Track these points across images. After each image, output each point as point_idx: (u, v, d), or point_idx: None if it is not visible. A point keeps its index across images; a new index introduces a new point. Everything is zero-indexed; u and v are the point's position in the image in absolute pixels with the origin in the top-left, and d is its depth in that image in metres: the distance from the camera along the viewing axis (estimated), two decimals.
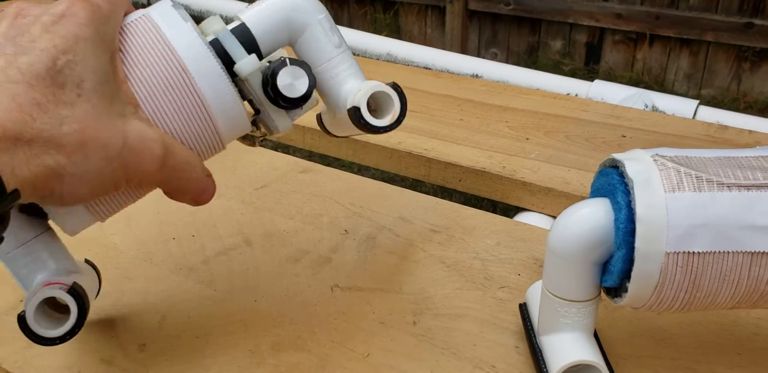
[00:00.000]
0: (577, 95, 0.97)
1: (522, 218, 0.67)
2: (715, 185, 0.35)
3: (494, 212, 0.58)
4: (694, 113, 0.85)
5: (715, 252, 0.34)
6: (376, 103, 0.40)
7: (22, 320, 0.34)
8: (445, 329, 0.44)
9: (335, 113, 0.42)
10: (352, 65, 0.41)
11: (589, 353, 0.38)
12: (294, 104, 0.38)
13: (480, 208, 0.58)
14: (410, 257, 0.51)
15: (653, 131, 0.71)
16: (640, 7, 2.34)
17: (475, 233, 0.54)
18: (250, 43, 0.38)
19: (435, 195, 0.60)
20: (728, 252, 0.34)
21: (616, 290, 0.38)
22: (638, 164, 0.36)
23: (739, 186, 0.34)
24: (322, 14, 0.40)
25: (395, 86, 0.39)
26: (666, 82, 2.45)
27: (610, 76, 2.48)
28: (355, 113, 0.39)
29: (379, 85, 0.39)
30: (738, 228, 0.34)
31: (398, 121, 0.39)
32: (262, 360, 0.42)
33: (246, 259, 0.51)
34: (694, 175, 0.35)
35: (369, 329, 0.44)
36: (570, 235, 0.37)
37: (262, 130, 0.41)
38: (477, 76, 1.11)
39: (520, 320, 0.44)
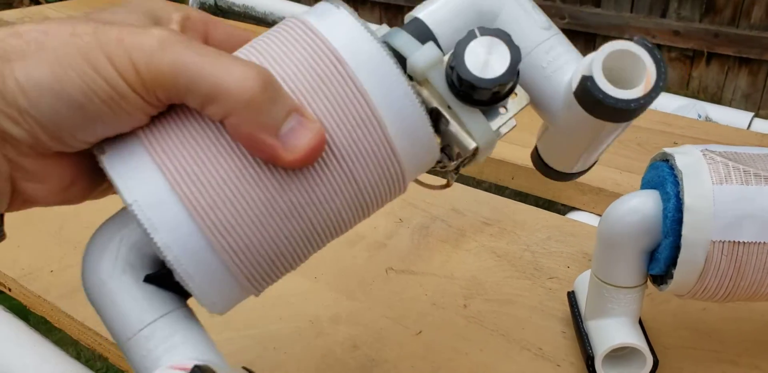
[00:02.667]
0: None
1: (572, 217, 0.69)
2: (762, 179, 0.36)
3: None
4: (749, 125, 0.86)
5: (760, 243, 0.36)
6: (616, 75, 0.28)
7: (586, 86, 0.23)
8: (494, 312, 0.47)
9: (553, 123, 0.32)
10: (570, 50, 0.31)
11: (634, 337, 0.40)
12: (492, 95, 0.27)
13: (536, 206, 0.60)
14: (462, 246, 0.54)
15: (705, 139, 0.72)
16: (699, 24, 2.32)
17: (527, 226, 0.56)
18: (424, 37, 0.29)
19: (490, 192, 0.63)
20: None
21: (662, 278, 0.39)
22: (688, 157, 0.38)
23: None
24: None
25: (642, 42, 0.28)
26: (723, 101, 2.41)
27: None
28: (584, 88, 0.28)
29: (618, 43, 0.28)
30: None
31: (656, 89, 0.27)
32: (321, 330, 0.45)
33: None
34: (741, 170, 0.37)
35: (421, 309, 0.47)
36: (620, 222, 0.39)
37: (455, 155, 0.30)
38: None
39: (567, 308, 0.46)
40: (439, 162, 0.31)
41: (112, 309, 0.25)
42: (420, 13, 0.30)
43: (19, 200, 0.26)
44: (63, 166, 0.26)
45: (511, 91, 0.28)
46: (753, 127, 0.86)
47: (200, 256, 0.25)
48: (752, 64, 2.33)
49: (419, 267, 0.51)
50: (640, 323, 0.43)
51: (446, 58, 0.28)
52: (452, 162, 0.30)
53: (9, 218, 0.28)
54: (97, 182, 0.27)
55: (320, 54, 0.26)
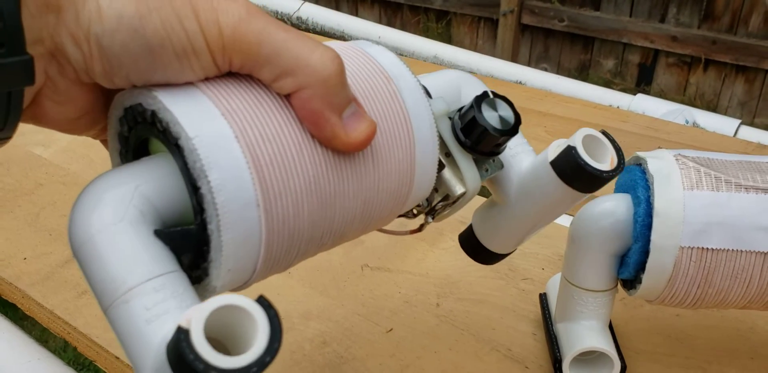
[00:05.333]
0: (618, 108, 0.98)
1: None
2: (733, 186, 0.36)
3: None
4: (735, 132, 0.86)
5: (728, 250, 0.36)
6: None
7: (180, 346, 0.19)
8: (466, 312, 0.47)
9: (508, 198, 0.37)
10: (526, 142, 0.37)
11: (601, 342, 0.40)
12: (495, 146, 0.32)
13: None
14: (439, 245, 0.54)
15: (691, 145, 0.73)
16: (697, 30, 2.32)
17: None
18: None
19: None
20: (741, 251, 0.36)
21: (631, 283, 0.39)
22: (660, 162, 0.38)
23: (757, 189, 0.36)
24: (489, 90, 0.36)
25: (606, 133, 0.35)
26: (719, 108, 2.42)
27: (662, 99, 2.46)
28: (567, 155, 0.33)
29: (590, 131, 0.34)
30: (752, 229, 0.35)
31: (619, 166, 0.33)
32: (291, 326, 0.44)
33: None
34: (713, 176, 0.37)
35: (394, 307, 0.47)
36: (591, 225, 0.39)
37: (435, 200, 0.34)
38: (521, 83, 1.13)
39: (539, 310, 0.46)
40: (418, 205, 0.33)
41: (115, 255, 0.23)
42: (422, 81, 0.34)
43: (29, 114, 0.25)
44: (88, 96, 0.25)
45: (504, 147, 0.33)
46: (740, 135, 0.86)
47: (245, 210, 0.24)
48: (749, 72, 2.34)
49: (395, 265, 0.51)
50: (611, 327, 0.43)
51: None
52: (427, 206, 0.34)
53: None
54: (102, 120, 0.27)
55: (373, 69, 0.29)
